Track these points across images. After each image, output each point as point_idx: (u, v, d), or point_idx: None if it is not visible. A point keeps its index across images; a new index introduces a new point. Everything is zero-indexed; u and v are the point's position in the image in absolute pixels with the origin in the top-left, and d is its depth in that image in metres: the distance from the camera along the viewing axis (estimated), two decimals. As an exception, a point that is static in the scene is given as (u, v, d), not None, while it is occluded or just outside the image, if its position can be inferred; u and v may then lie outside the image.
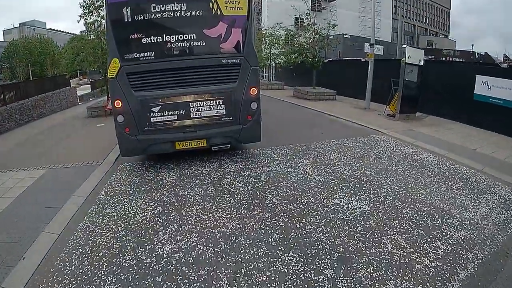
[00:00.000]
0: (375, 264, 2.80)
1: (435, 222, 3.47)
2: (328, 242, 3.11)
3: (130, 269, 2.80)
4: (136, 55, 4.50)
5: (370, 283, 2.58)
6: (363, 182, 4.49)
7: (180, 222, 3.54)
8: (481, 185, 4.47)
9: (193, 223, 3.51)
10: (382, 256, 2.90)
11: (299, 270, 2.73)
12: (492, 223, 3.48)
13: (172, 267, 2.80)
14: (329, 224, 3.43)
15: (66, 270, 2.82)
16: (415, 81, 8.60)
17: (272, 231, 3.32)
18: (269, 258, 2.89)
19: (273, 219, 3.55)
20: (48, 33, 57.07)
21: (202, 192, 4.28)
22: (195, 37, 4.62)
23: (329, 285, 2.56)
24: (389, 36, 39.85)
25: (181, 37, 4.58)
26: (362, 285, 2.56)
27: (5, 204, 4.18)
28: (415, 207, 3.79)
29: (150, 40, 4.48)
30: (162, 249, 3.06)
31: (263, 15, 31.59)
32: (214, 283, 2.61)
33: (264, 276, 2.67)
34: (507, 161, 5.42)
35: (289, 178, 4.66)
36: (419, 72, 8.60)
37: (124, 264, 2.87)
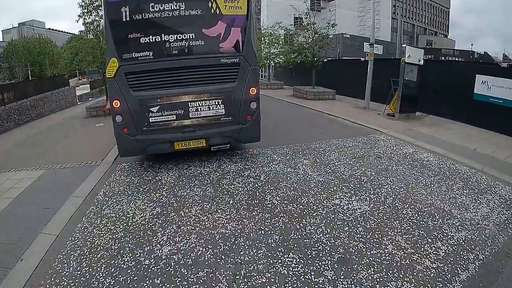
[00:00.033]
0: (375, 265, 2.78)
1: (436, 223, 3.45)
2: (329, 243, 3.09)
3: (129, 271, 2.77)
4: (134, 54, 4.47)
5: (371, 284, 2.56)
6: (363, 182, 4.47)
7: (179, 223, 3.51)
8: (482, 185, 4.45)
9: (192, 224, 3.49)
10: (383, 257, 2.88)
11: (299, 272, 2.70)
12: (493, 224, 3.47)
13: (171, 269, 2.78)
14: (329, 224, 3.41)
15: (64, 272, 2.80)
16: (415, 80, 8.59)
17: (272, 232, 3.29)
18: (269, 259, 2.87)
19: (273, 219, 3.53)
20: (47, 33, 56.89)
21: (201, 192, 4.25)
22: (194, 37, 4.59)
23: (330, 287, 2.54)
24: (389, 35, 39.85)
25: (179, 36, 4.55)
26: (362, 286, 2.54)
27: (3, 205, 4.16)
28: (416, 208, 3.77)
29: (149, 39, 4.45)
30: (160, 251, 3.03)
31: (263, 14, 31.53)
32: (213, 285, 2.58)
33: (264, 277, 2.64)
34: (507, 161, 5.41)
35: (288, 178, 4.63)
36: (419, 71, 8.59)
37: (122, 265, 2.85)
